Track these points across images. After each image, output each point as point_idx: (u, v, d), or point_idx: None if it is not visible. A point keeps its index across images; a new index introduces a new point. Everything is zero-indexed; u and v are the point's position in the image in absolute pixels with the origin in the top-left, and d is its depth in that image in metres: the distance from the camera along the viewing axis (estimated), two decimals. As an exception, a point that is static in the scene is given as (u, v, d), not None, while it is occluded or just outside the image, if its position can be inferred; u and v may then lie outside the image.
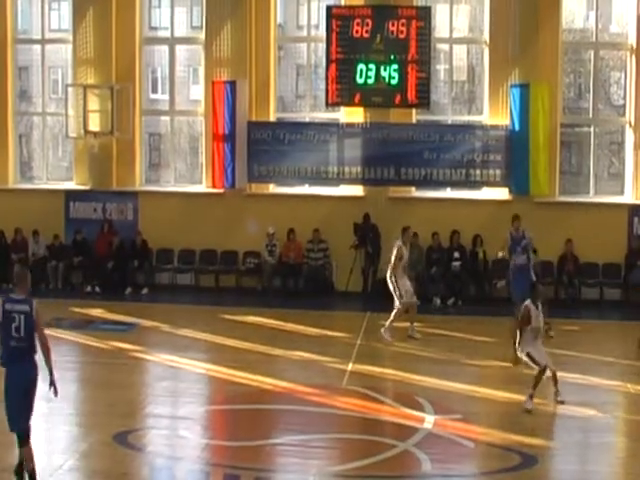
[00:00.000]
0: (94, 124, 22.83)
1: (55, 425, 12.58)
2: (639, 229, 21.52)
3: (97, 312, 19.77)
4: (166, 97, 24.19)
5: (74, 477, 11.01)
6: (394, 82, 21.46)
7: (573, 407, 13.17)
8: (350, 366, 15.55)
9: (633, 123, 22.04)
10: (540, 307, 13.45)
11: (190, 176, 23.82)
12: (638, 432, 12.53)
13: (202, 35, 23.06)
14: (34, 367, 10.24)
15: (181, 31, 24.01)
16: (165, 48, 23.85)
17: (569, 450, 11.77)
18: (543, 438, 12.06)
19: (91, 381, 15.15)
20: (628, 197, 22.20)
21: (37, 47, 24.45)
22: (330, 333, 17.98)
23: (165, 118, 24.13)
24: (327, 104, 22.17)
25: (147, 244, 22.61)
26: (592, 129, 22.80)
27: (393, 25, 21.45)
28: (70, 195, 23.34)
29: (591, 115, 22.89)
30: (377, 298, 19.47)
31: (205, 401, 14.19)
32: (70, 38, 23.50)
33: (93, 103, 22.86)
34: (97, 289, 22.09)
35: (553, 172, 22.02)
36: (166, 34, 23.85)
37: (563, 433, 12.47)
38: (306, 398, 13.75)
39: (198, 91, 23.76)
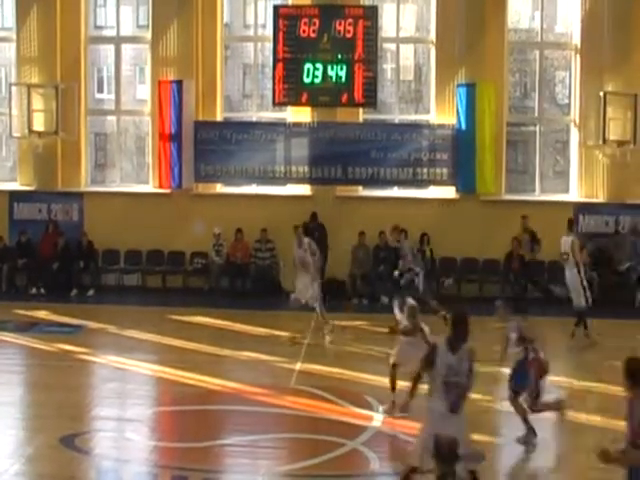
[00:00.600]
0: (38, 124, 22.58)
1: (1, 429, 12.42)
2: (584, 227, 21.73)
3: (42, 314, 19.55)
4: (112, 97, 24.01)
5: (19, 482, 10.87)
6: (341, 81, 21.49)
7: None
8: (298, 366, 15.53)
9: (578, 122, 22.28)
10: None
11: (136, 176, 23.68)
12: (582, 428, 12.63)
13: (148, 34, 22.91)
14: None
15: (127, 30, 23.84)
16: (111, 47, 23.67)
17: (513, 446, 11.84)
18: (488, 434, 12.11)
19: (37, 384, 14.96)
20: (573, 195, 22.42)
21: (-21, 46, 24.20)
22: (278, 333, 17.94)
23: (111, 118, 23.94)
24: (274, 104, 22.15)
25: (93, 245, 22.41)
26: (538, 128, 23.00)
27: (340, 24, 21.49)
28: (14, 196, 23.06)
29: (536, 114, 23.10)
30: (325, 297, 19.43)
31: (153, 403, 14.10)
32: (13, 36, 23.23)
33: (37, 102, 22.60)
34: (42, 291, 21.85)
35: (499, 171, 22.19)
36: (112, 33, 23.68)
37: (508, 429, 12.53)
38: (254, 398, 13.71)
39: (144, 91, 23.63)
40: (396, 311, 13.34)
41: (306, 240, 17.77)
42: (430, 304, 17.84)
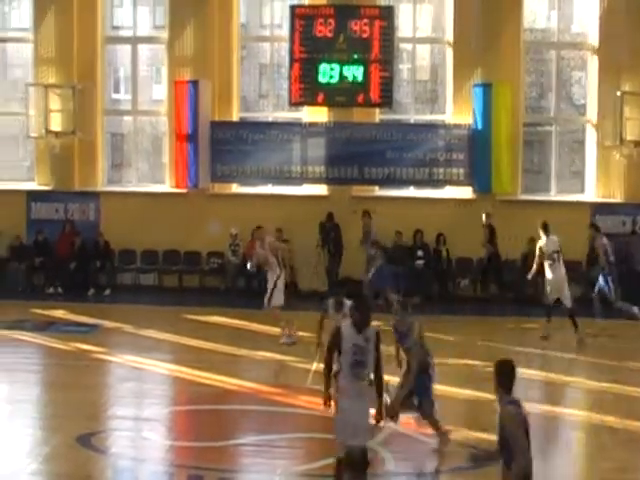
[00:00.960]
0: (55, 124, 22.68)
1: (18, 428, 12.48)
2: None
3: (59, 313, 19.63)
4: (128, 97, 24.07)
5: (36, 481, 10.93)
6: (357, 81, 21.49)
7: (533, 404, 13.25)
8: (314, 366, 15.53)
9: (595, 122, 22.22)
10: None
11: (153, 176, 23.70)
12: (598, 426, 12.62)
13: (165, 34, 22.97)
14: None
15: (144, 30, 23.88)
16: (128, 47, 23.74)
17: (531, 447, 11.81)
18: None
19: (54, 383, 15.03)
20: (589, 195, 22.36)
21: (-3, 46, 24.32)
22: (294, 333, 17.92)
23: (128, 118, 24.01)
24: (290, 104, 22.17)
25: (109, 244, 22.49)
26: (554, 128, 22.95)
27: (356, 25, 21.49)
28: (32, 195, 23.16)
29: (553, 114, 23.04)
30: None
31: (169, 402, 14.14)
32: (31, 37, 23.34)
33: (54, 103, 22.70)
34: (59, 290, 21.94)
35: (516, 171, 22.16)
36: (129, 33, 23.75)
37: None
38: (270, 398, 13.73)
39: (161, 91, 23.67)
40: (330, 311, 13.17)
41: (268, 239, 17.75)
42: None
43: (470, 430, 12.15)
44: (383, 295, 18.58)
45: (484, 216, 21.10)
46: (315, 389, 14.05)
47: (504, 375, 7.57)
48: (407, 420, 12.36)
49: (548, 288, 17.73)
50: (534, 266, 18.00)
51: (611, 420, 12.71)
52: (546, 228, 17.88)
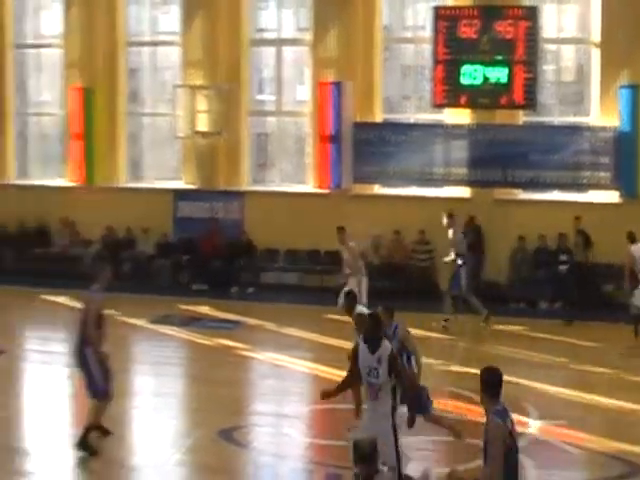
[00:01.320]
0: (202, 124, 23.20)
1: (163, 420, 12.84)
2: None
3: (204, 310, 20.08)
4: (273, 98, 24.42)
5: (180, 471, 11.24)
6: (501, 83, 21.30)
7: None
8: (452, 367, 15.50)
9: None
10: None
11: (296, 176, 23.99)
12: None
13: (309, 36, 23.24)
14: None
15: (288, 33, 24.19)
16: (272, 49, 24.10)
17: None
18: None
19: (198, 377, 15.41)
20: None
21: (147, 49, 24.97)
22: (433, 335, 17.93)
23: (272, 119, 24.37)
24: (433, 105, 22.12)
25: (253, 243, 22.86)
26: None
27: (500, 25, 21.30)
28: (178, 194, 23.75)
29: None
30: (483, 300, 19.29)
31: (309, 400, 14.31)
32: (179, 40, 23.94)
33: (201, 104, 23.22)
34: (204, 287, 22.41)
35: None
36: (273, 36, 24.11)
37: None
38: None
39: (304, 92, 23.93)
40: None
41: (350, 244, 17.80)
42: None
43: (612, 440, 11.92)
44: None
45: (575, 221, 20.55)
46: (458, 392, 14.06)
47: (490, 383, 7.43)
48: (548, 427, 12.23)
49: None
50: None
51: None
52: (632, 237, 17.68)
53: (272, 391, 14.66)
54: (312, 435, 12.50)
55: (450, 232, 18.86)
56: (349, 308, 12.02)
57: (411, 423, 10.68)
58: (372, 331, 9.20)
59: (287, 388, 14.91)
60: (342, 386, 9.79)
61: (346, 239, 17.93)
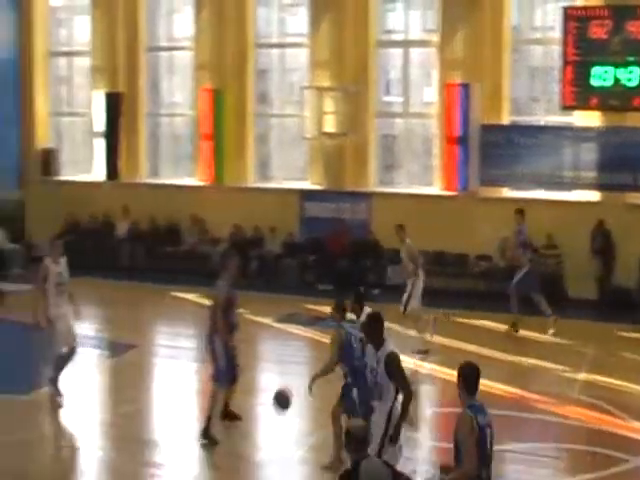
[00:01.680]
0: (329, 125, 23.39)
1: (288, 417, 13.01)
2: None
3: (329, 309, 20.18)
4: (399, 99, 24.46)
5: (303, 469, 11.40)
6: (632, 85, 20.89)
7: None
8: (581, 375, 15.30)
9: None
10: None
11: (423, 178, 23.98)
12: None
13: (436, 38, 23.20)
14: None
15: (415, 34, 24.20)
16: (399, 51, 24.14)
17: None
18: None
19: (322, 377, 15.50)
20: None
21: (276, 51, 25.30)
22: (561, 341, 17.71)
23: (399, 120, 24.41)
24: (562, 107, 21.83)
25: (379, 244, 22.93)
26: None
27: (632, 26, 20.89)
28: (305, 194, 23.99)
29: None
30: (611, 307, 18.97)
31: (431, 403, 14.32)
32: (307, 42, 24.18)
33: (328, 105, 23.40)
34: (329, 287, 22.55)
35: None
36: (400, 37, 24.15)
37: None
38: (536, 406, 13.64)
39: (431, 93, 23.89)
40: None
41: (407, 241, 17.44)
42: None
43: None
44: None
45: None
46: (582, 400, 13.90)
47: (467, 379, 7.56)
48: None
49: None
50: None
51: None
52: None
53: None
54: (435, 438, 12.50)
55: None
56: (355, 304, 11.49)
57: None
58: (371, 331, 9.34)
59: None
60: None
61: (405, 237, 17.68)
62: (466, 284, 22.50)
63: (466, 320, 19.37)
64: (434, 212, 22.59)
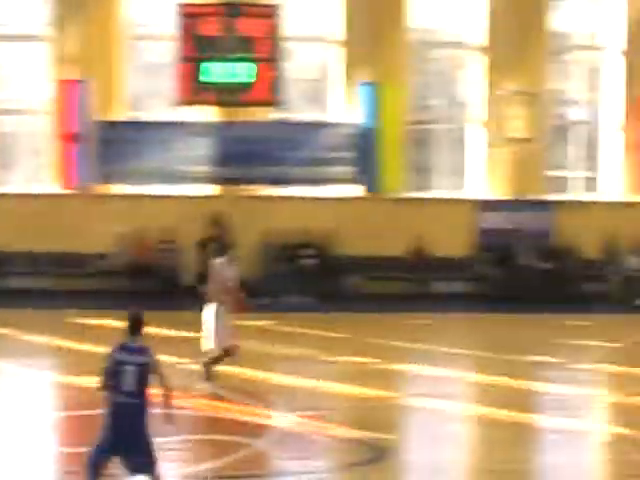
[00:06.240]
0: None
1: None
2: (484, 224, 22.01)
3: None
4: (10, 96, 23.51)
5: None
6: (243, 80, 21.39)
7: (425, 399, 13.37)
8: (199, 366, 15.35)
9: (485, 120, 22.55)
10: None
11: (35, 176, 23.18)
12: (486, 420, 12.78)
13: (48, 32, 22.49)
14: None
15: (25, 28, 23.33)
16: (8, 45, 23.17)
17: (421, 441, 11.92)
18: (395, 431, 12.17)
19: None
20: (475, 192, 22.71)
21: None
22: (169, 333, 17.65)
23: (9, 117, 23.46)
24: (177, 102, 21.94)
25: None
26: (441, 127, 23.18)
27: (244, 23, 21.39)
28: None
29: (438, 113, 23.29)
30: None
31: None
32: None
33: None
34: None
35: (404, 169, 22.34)
36: (8, 31, 23.16)
37: (414, 425, 12.62)
38: (154, 400, 13.49)
39: (42, 90, 23.13)
40: None
41: None
42: None
43: (360, 428, 12.16)
44: None
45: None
46: (202, 390, 13.95)
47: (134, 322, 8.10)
48: (299, 419, 12.35)
49: None
50: None
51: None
52: None
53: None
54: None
55: None
56: None
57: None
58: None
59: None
60: None
61: None
62: (85, 284, 22.00)
63: (87, 320, 18.93)
64: (51, 211, 21.87)
